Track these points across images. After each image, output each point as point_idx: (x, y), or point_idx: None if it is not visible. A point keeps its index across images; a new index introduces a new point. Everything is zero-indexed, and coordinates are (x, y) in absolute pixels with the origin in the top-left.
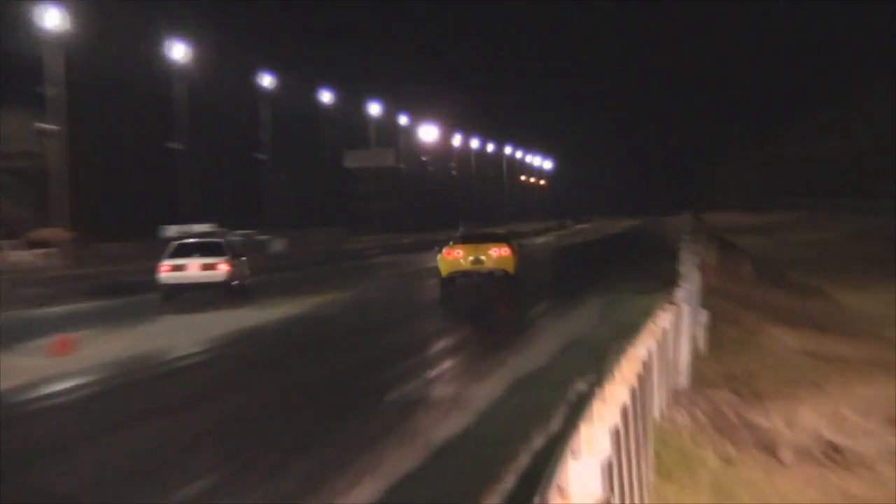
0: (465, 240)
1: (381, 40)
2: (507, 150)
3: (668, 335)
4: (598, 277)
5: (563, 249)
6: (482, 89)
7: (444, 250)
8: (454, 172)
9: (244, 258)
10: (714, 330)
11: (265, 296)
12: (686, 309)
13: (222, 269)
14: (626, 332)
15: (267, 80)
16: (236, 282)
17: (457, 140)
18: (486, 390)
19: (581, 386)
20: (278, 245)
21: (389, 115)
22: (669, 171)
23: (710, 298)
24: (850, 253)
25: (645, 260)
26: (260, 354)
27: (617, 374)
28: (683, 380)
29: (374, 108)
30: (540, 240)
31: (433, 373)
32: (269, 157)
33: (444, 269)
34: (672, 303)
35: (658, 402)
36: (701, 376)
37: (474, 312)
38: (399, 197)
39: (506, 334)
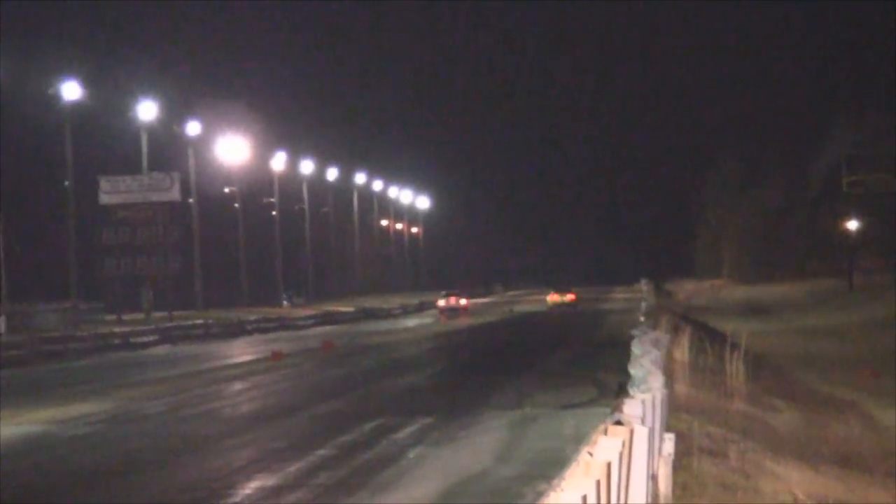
0: (556, 288)
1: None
2: (361, 178)
3: (615, 474)
4: (504, 381)
5: (450, 336)
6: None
7: (549, 293)
8: (274, 213)
9: None
10: (685, 467)
11: None
12: (642, 432)
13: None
14: (545, 469)
15: None
16: None
17: (281, 162)
18: None
19: None
20: None
21: (171, 120)
22: (623, 219)
23: (679, 417)
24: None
25: (577, 354)
26: None
27: None
28: None
29: (148, 110)
30: (412, 322)
31: None
32: None
33: (550, 302)
34: (620, 423)
35: None
36: None
37: (307, 436)
38: (181, 252)
39: (354, 471)
